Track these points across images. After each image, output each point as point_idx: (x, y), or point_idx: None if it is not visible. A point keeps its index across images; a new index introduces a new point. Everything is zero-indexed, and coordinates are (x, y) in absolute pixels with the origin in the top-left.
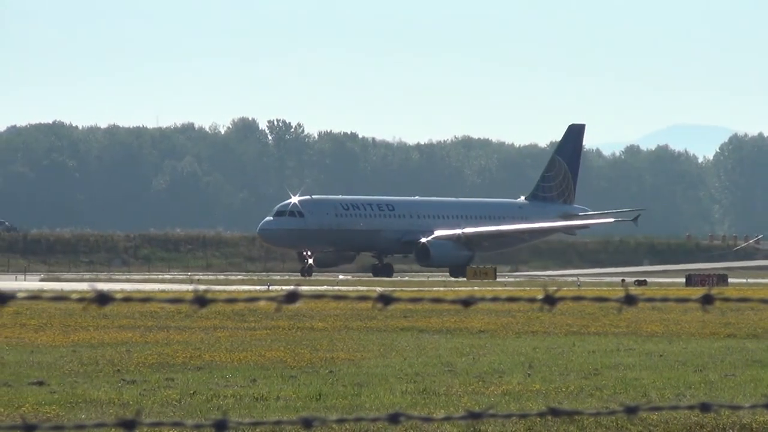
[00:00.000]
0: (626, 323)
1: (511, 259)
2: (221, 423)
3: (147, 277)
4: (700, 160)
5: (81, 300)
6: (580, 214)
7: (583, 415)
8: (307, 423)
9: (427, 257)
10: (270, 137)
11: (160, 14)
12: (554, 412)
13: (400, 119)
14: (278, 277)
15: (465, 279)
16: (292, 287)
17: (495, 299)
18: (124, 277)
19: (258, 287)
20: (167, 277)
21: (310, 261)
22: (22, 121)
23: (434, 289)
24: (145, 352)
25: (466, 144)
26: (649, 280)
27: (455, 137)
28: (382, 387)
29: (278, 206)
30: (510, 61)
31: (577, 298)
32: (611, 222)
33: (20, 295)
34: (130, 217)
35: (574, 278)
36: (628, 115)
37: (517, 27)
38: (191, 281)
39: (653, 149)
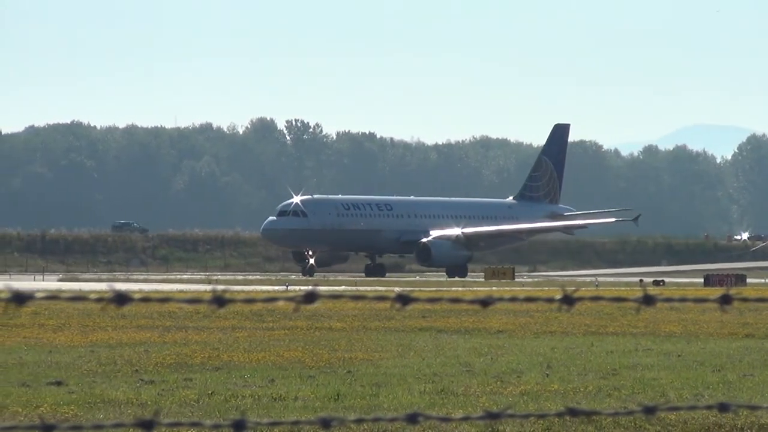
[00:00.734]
0: (644, 323)
1: (529, 259)
2: (239, 423)
3: (165, 277)
4: (719, 160)
5: (99, 300)
6: (566, 213)
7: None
8: (325, 423)
9: (428, 257)
10: (288, 137)
11: (179, 14)
12: (572, 412)
13: (418, 119)
14: (296, 277)
15: (462, 279)
16: (310, 287)
17: (513, 299)
18: (142, 277)
19: (276, 287)
20: (185, 277)
21: (312, 261)
22: (40, 122)
23: (452, 289)
24: (163, 353)
25: (485, 144)
26: (667, 280)
27: (473, 137)
28: (401, 387)
29: (280, 206)
30: (528, 61)
31: (596, 298)
32: (611, 222)
33: (38, 295)
34: (149, 217)
35: (592, 278)
36: (646, 116)
37: (535, 28)
38: (209, 281)
39: (671, 149)
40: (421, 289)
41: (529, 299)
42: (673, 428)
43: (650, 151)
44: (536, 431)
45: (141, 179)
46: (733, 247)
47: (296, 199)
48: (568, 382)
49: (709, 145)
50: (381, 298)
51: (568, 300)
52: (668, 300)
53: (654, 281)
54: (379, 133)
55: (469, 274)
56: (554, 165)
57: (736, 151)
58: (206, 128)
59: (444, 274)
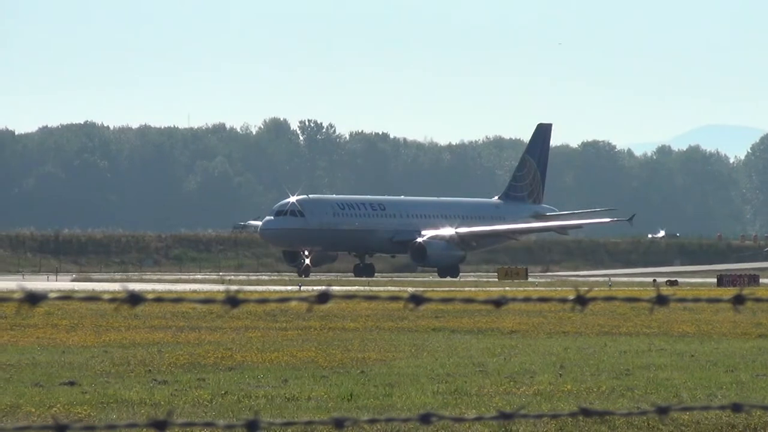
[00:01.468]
0: (657, 323)
1: (542, 259)
2: (253, 423)
3: (178, 277)
4: (732, 160)
5: (113, 300)
6: (548, 214)
7: (614, 415)
8: (338, 423)
9: (423, 257)
10: (301, 137)
11: (192, 15)
12: (586, 413)
13: (431, 119)
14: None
15: (455, 279)
16: (323, 287)
17: (526, 299)
18: (155, 277)
19: (289, 287)
20: (199, 277)
21: (307, 261)
22: (53, 122)
23: (465, 289)
24: (176, 353)
25: (498, 144)
26: (680, 280)
27: (487, 137)
28: (414, 387)
29: (277, 206)
30: (541, 61)
31: (609, 299)
32: (607, 222)
33: (52, 295)
34: (162, 218)
35: (606, 278)
36: (659, 116)
37: (548, 28)
38: (223, 281)
39: (684, 149)
40: (434, 289)
41: (543, 299)
42: (687, 428)
43: (663, 151)
44: (549, 431)
45: (154, 179)
46: (746, 248)
47: (293, 198)
48: (581, 382)
49: (722, 145)
50: (394, 299)
51: (582, 300)
52: (681, 300)
53: (667, 281)
54: (393, 134)
55: (487, 273)
56: (537, 164)
57: (749, 151)
58: (219, 128)
59: (431, 273)
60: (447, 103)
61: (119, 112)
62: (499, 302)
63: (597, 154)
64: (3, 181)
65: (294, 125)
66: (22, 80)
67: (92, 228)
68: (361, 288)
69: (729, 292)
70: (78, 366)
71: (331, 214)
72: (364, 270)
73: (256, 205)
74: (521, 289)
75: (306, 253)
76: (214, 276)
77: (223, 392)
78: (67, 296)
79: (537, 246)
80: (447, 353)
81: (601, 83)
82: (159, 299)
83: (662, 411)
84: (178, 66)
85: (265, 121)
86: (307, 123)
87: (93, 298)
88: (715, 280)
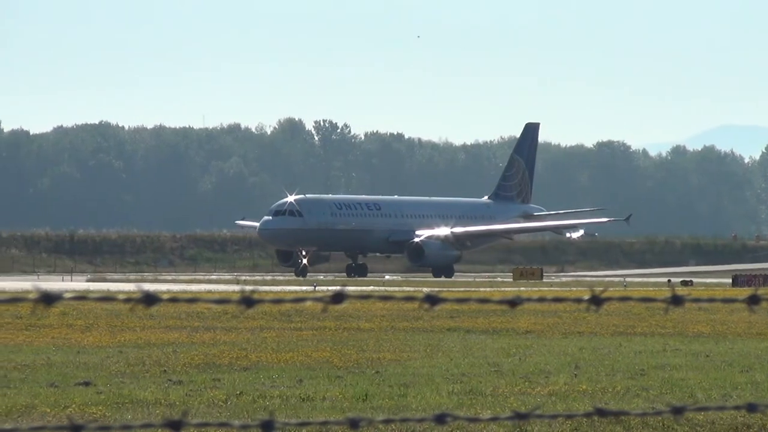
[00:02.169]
0: (672, 324)
1: (557, 259)
2: (268, 423)
3: (193, 277)
4: (747, 160)
5: (128, 300)
6: (536, 214)
7: (629, 415)
8: (353, 423)
9: (420, 257)
10: (316, 137)
11: (207, 15)
12: (601, 413)
13: (446, 119)
14: (323, 278)
15: (450, 279)
16: (338, 288)
17: (541, 300)
18: (170, 277)
19: (304, 287)
20: (213, 277)
21: (305, 261)
22: (68, 122)
23: (480, 289)
24: (191, 353)
25: (512, 144)
26: (695, 280)
27: (501, 137)
28: (429, 387)
29: (275, 205)
30: (555, 60)
31: (624, 299)
32: (604, 222)
33: (67, 295)
34: (177, 218)
35: (620, 278)
36: (674, 116)
37: (563, 28)
38: (238, 282)
39: (699, 150)
40: (449, 289)
41: (557, 299)
42: (702, 429)
43: (678, 151)
44: (564, 431)
45: (169, 180)
46: (761, 248)
47: (291, 198)
48: (596, 382)
49: (736, 145)
50: (409, 299)
51: (596, 300)
52: (696, 300)
53: (682, 281)
54: (407, 134)
55: (497, 273)
56: (526, 164)
57: (764, 151)
58: (234, 128)
59: (425, 273)
60: (462, 103)
61: (134, 112)
62: (514, 302)
63: (612, 154)
64: (18, 181)
65: (309, 125)
66: (37, 80)
67: (107, 228)
68: (376, 288)
69: (744, 292)
70: (93, 366)
71: (328, 214)
72: (357, 270)
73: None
74: (536, 289)
75: (303, 253)
76: (229, 276)
77: (238, 392)
78: (82, 296)
79: (552, 246)
80: (462, 353)
81: (615, 83)
82: (174, 299)
83: (677, 411)
84: (193, 66)
85: (280, 121)
86: (322, 123)
87: (108, 298)
88: (730, 280)
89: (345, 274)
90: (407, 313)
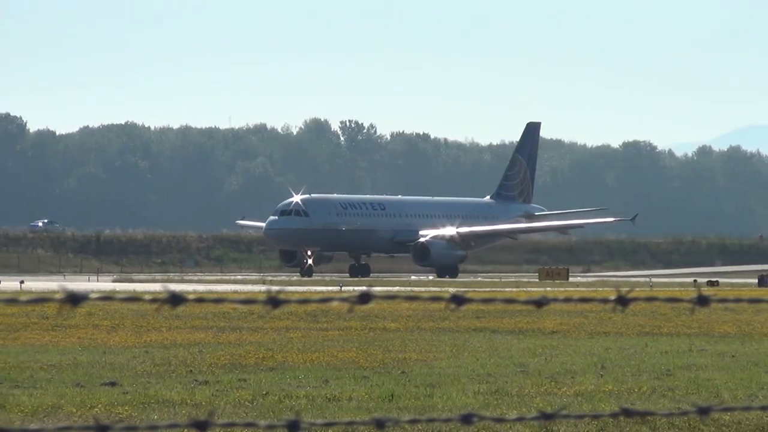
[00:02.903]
0: (699, 324)
1: (583, 259)
2: (294, 424)
3: (219, 277)
4: None
5: (153, 301)
6: (537, 213)
7: (655, 415)
8: (379, 424)
9: (426, 257)
10: (342, 138)
11: (233, 15)
12: (627, 413)
13: (472, 119)
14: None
15: (454, 279)
16: (364, 288)
17: (567, 300)
18: (196, 277)
19: (330, 288)
20: (239, 277)
21: (310, 261)
22: (94, 122)
23: (506, 289)
24: (217, 353)
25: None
26: (721, 280)
27: None
28: (455, 387)
29: (280, 205)
30: (581, 61)
31: (650, 299)
32: (610, 221)
33: (93, 295)
34: (203, 218)
35: (646, 279)
36: (700, 116)
37: (586, 27)
38: (264, 282)
39: (725, 150)
40: (475, 289)
41: (584, 300)
42: (728, 429)
43: (704, 151)
44: None
45: (195, 180)
46: None
47: (297, 198)
48: (622, 382)
49: (763, 145)
50: (435, 299)
51: (623, 300)
52: (722, 300)
53: (708, 282)
54: (433, 134)
55: (522, 274)
56: (527, 164)
57: None
58: (260, 129)
59: (429, 273)
60: (488, 103)
61: (160, 112)
62: (540, 302)
63: (638, 154)
64: (44, 181)
65: (335, 125)
66: (63, 80)
67: (133, 228)
68: (402, 288)
69: None
70: (119, 366)
71: (334, 214)
72: (360, 270)
73: None
74: (562, 289)
75: (309, 253)
76: (255, 276)
77: (264, 393)
78: (108, 297)
79: (578, 246)
80: (488, 353)
81: (641, 83)
82: (200, 300)
83: (703, 411)
84: (220, 67)
85: (305, 121)
86: (347, 123)
87: (134, 298)
88: (756, 280)
89: (348, 274)
90: (433, 313)
